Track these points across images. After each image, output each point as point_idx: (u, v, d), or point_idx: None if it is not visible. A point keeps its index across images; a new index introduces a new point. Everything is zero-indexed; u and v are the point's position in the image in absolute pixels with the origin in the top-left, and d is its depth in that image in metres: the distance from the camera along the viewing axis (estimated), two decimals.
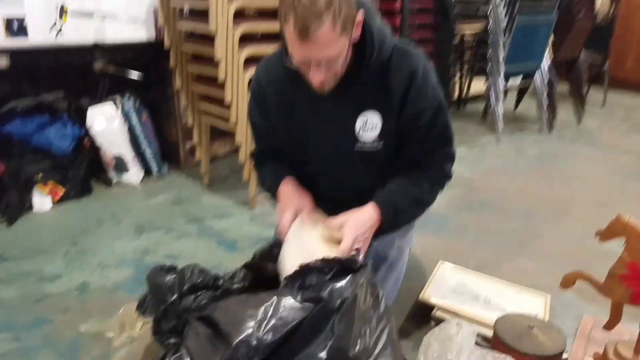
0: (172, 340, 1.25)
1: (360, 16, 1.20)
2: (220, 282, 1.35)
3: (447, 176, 1.44)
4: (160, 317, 1.31)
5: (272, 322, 1.03)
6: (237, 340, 1.00)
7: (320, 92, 1.29)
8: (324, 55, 1.16)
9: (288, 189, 1.45)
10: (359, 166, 1.42)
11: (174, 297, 1.28)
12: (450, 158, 1.44)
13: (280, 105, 1.42)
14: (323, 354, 1.03)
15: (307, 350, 1.04)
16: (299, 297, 1.09)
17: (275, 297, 1.08)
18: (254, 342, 1.00)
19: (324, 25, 1.10)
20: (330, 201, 1.55)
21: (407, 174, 1.40)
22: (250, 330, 1.01)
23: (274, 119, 1.46)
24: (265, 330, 1.02)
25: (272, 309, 1.06)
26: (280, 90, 1.41)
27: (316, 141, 1.42)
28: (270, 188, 1.53)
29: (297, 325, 1.04)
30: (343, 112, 1.36)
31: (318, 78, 1.22)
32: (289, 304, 1.07)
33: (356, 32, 1.22)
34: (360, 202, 1.51)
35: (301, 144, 1.45)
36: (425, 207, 1.44)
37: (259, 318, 1.04)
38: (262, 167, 1.58)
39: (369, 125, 1.35)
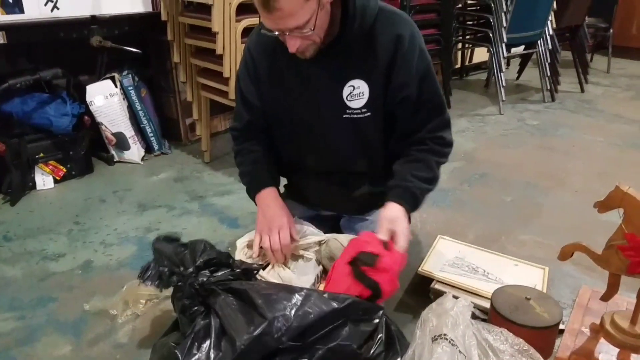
0: (195, 308, 1.27)
1: None
2: (231, 261, 1.36)
3: (448, 144, 1.44)
4: (178, 286, 1.32)
5: (302, 309, 1.11)
6: (274, 316, 1.09)
7: (303, 57, 1.29)
8: (291, 25, 1.16)
9: (271, 204, 1.47)
10: (349, 135, 1.42)
11: (190, 270, 1.29)
12: (446, 125, 1.43)
13: (271, 73, 1.42)
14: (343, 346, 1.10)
15: (329, 345, 1.11)
16: (325, 295, 1.17)
17: (305, 290, 1.17)
18: (287, 322, 1.09)
19: None
20: (318, 177, 1.55)
21: (413, 153, 1.40)
22: (285, 311, 1.11)
23: (265, 88, 1.45)
24: (296, 314, 1.11)
25: (302, 298, 1.14)
26: (270, 58, 1.41)
27: (306, 109, 1.42)
28: (250, 188, 1.55)
29: (324, 316, 1.11)
30: (331, 79, 1.35)
31: (293, 45, 1.22)
32: (317, 297, 1.15)
33: None
34: (346, 176, 1.52)
35: (290, 114, 1.45)
36: (436, 184, 1.44)
37: (291, 302, 1.13)
38: (243, 155, 1.56)
39: (356, 93, 1.35)
